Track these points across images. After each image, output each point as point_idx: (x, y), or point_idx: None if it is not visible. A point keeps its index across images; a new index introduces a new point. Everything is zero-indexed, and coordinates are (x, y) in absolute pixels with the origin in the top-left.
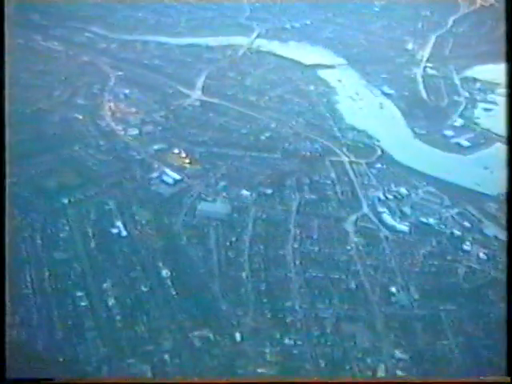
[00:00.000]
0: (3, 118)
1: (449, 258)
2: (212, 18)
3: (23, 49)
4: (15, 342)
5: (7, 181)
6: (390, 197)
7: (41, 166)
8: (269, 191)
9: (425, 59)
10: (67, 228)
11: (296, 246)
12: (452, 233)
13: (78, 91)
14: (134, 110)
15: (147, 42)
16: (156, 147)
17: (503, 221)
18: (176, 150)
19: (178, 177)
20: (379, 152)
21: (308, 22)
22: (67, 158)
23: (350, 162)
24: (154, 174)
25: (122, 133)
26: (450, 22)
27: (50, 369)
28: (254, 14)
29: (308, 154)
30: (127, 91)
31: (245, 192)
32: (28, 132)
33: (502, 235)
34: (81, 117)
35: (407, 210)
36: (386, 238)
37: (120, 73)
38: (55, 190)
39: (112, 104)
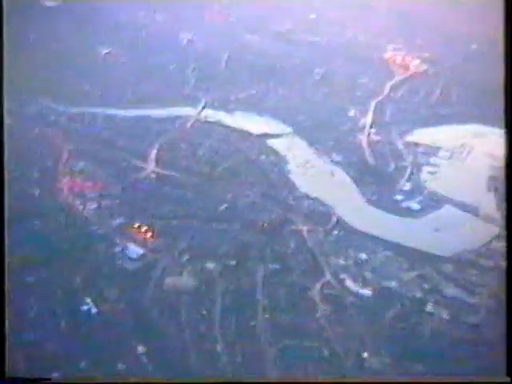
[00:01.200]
0: None
1: (413, 320)
2: (157, 89)
3: None
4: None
5: None
6: (351, 263)
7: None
8: (233, 262)
9: (368, 125)
10: (35, 307)
11: (266, 316)
12: (414, 295)
13: (32, 165)
14: (90, 183)
15: (95, 114)
16: (117, 221)
17: (462, 281)
18: (136, 224)
19: (141, 251)
20: (335, 219)
21: (253, 92)
22: (28, 233)
23: (308, 231)
24: (117, 249)
25: (81, 207)
26: (387, 89)
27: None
28: (199, 84)
29: (266, 224)
30: (81, 164)
31: (209, 264)
32: None
33: (462, 295)
34: (37, 191)
35: (368, 274)
36: (352, 303)
37: (71, 147)
38: (19, 267)
39: (68, 178)
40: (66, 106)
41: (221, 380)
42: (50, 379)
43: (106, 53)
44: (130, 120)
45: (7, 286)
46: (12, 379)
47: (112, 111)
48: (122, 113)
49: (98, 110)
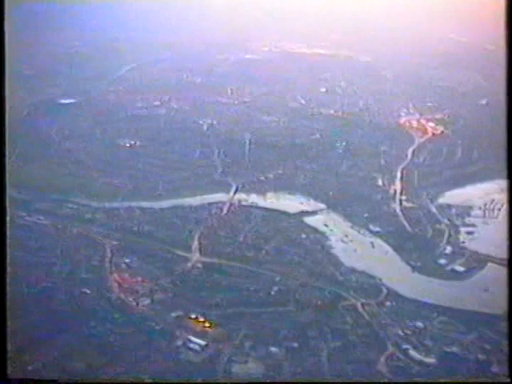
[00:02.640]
0: None
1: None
2: (187, 178)
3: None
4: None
5: None
6: (409, 332)
7: (62, 349)
8: (295, 344)
9: (398, 193)
10: None
11: None
12: (477, 358)
13: (78, 265)
14: (139, 278)
15: (131, 207)
16: (173, 314)
17: None
18: (193, 315)
19: (203, 342)
20: (385, 290)
21: (280, 172)
22: (87, 337)
23: (362, 305)
24: (179, 342)
25: (134, 304)
26: (410, 154)
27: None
28: (226, 169)
29: (319, 302)
30: (127, 260)
31: (273, 349)
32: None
33: None
34: (88, 291)
35: (429, 342)
36: (418, 372)
37: (115, 242)
38: (83, 372)
39: (116, 275)
40: (100, 202)
41: (222, 381)
42: (51, 381)
43: (129, 146)
44: (166, 211)
45: None
46: (14, 380)
47: (147, 204)
48: (156, 204)
49: (133, 203)
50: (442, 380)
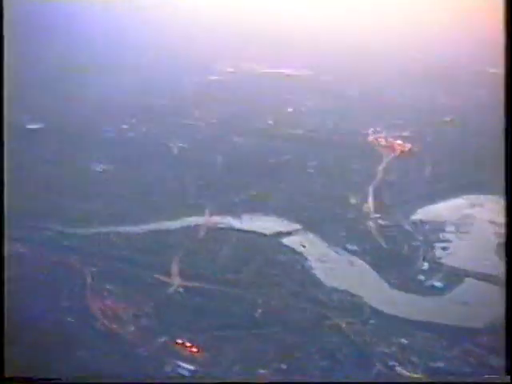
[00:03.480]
0: None
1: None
2: (161, 202)
3: None
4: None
5: None
6: (395, 349)
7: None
8: (284, 366)
9: (372, 211)
10: None
11: None
12: (463, 371)
13: (60, 293)
14: (122, 305)
15: (107, 233)
16: (159, 340)
17: (500, 349)
18: (180, 341)
19: (192, 367)
20: (367, 309)
21: (254, 193)
22: (75, 367)
23: (347, 323)
24: (168, 368)
25: (121, 331)
26: (380, 172)
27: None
28: (200, 191)
29: (305, 323)
30: (108, 287)
31: (261, 371)
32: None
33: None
34: (72, 320)
35: (415, 358)
36: None
37: (94, 269)
38: None
39: (99, 302)
40: (76, 228)
41: (221, 380)
42: (49, 379)
43: (101, 171)
44: (142, 235)
45: None
46: (12, 379)
47: (123, 229)
48: (133, 229)
49: (109, 228)
50: (442, 380)
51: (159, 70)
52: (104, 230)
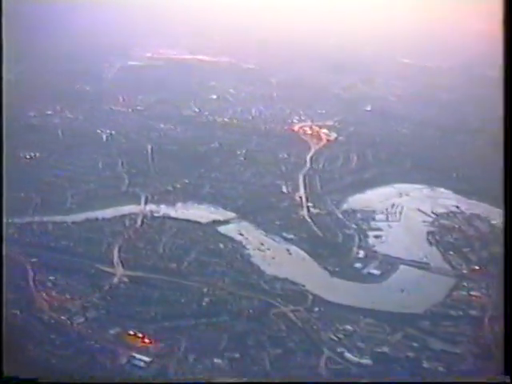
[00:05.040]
0: None
1: (416, 379)
2: (94, 190)
3: None
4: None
5: None
6: (341, 336)
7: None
8: (237, 355)
9: (304, 200)
10: None
11: None
12: (407, 356)
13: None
14: (68, 296)
15: (43, 222)
16: (111, 332)
17: (442, 334)
18: (131, 332)
19: (147, 358)
20: (310, 296)
21: (186, 181)
22: (26, 363)
23: (292, 311)
24: (124, 360)
25: (69, 322)
26: (308, 161)
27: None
28: (133, 179)
29: (251, 311)
30: (52, 277)
31: (217, 360)
32: None
33: (448, 347)
34: (18, 312)
35: (360, 344)
36: (358, 373)
37: (34, 259)
38: None
39: (44, 294)
40: (10, 217)
41: (221, 380)
42: (48, 380)
43: (29, 158)
44: (79, 224)
45: None
46: (10, 379)
47: (59, 218)
48: (69, 218)
49: (45, 218)
50: (442, 380)
51: (79, 54)
52: (39, 219)
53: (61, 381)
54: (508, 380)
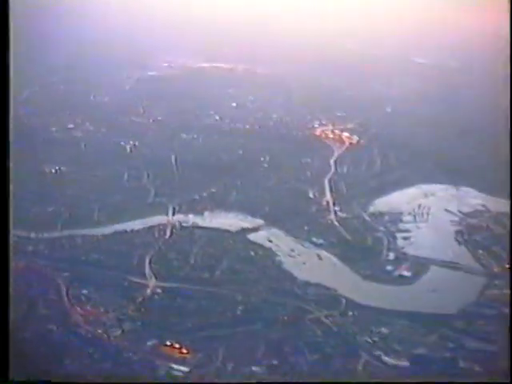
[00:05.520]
0: None
1: (456, 379)
2: (121, 202)
3: None
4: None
5: None
6: (376, 339)
7: None
8: (275, 362)
9: (331, 204)
10: None
11: None
12: (444, 357)
13: (36, 302)
14: (102, 309)
15: (72, 236)
16: (148, 344)
17: (477, 333)
18: (168, 343)
19: (186, 369)
20: (343, 300)
21: (213, 190)
22: (65, 377)
23: (326, 316)
24: (161, 372)
25: (105, 335)
26: (332, 165)
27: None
28: (159, 190)
29: (286, 318)
30: (85, 291)
31: (255, 368)
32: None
33: (483, 346)
34: (54, 328)
35: (397, 346)
36: (396, 375)
37: (66, 274)
38: None
39: (78, 308)
40: (39, 233)
41: (221, 381)
42: (51, 381)
43: (55, 172)
44: (109, 237)
45: None
46: (15, 382)
47: (88, 231)
48: (98, 231)
49: (74, 231)
50: (442, 380)
51: (96, 67)
52: (68, 233)
53: None
54: (508, 381)
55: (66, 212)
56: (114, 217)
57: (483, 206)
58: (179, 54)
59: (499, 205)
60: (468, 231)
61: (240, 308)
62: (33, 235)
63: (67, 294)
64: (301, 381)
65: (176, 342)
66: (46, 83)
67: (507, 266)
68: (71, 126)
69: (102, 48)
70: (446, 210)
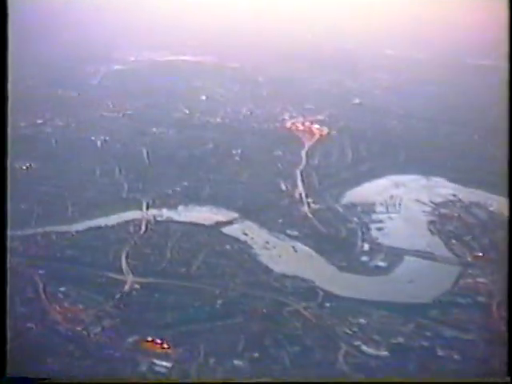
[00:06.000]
0: None
1: (433, 367)
2: (94, 198)
3: None
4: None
5: None
6: (355, 329)
7: None
8: (256, 354)
9: (304, 196)
10: None
11: None
12: (421, 345)
13: (13, 300)
14: (80, 306)
15: (46, 233)
16: (129, 340)
17: (453, 322)
18: (149, 338)
19: (167, 364)
20: (321, 292)
21: (185, 184)
22: (48, 376)
23: (305, 308)
24: (144, 368)
25: (85, 333)
26: (304, 157)
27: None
28: (132, 185)
29: (265, 310)
30: (62, 289)
31: (237, 361)
32: None
33: (460, 334)
34: (34, 326)
35: (376, 337)
36: (377, 366)
37: (41, 271)
38: None
39: (56, 305)
40: (12, 230)
41: (220, 381)
42: (49, 379)
43: (26, 168)
44: (83, 233)
45: None
46: (12, 378)
47: (61, 227)
48: (71, 227)
49: (47, 228)
50: (442, 380)
51: (61, 61)
52: (41, 230)
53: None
54: (508, 380)
55: (38, 209)
56: (87, 213)
57: (454, 195)
58: (145, 47)
59: (470, 195)
60: (441, 221)
61: (219, 302)
62: (6, 232)
63: (44, 291)
64: (301, 381)
65: (157, 338)
66: (12, 79)
67: (480, 254)
68: (40, 121)
69: (64, 42)
70: (418, 201)
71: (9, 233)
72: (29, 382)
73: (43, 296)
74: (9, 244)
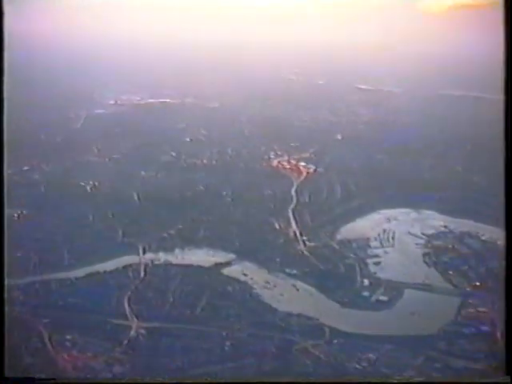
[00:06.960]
0: None
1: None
2: (90, 244)
3: None
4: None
5: None
6: (365, 364)
7: None
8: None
9: (298, 234)
10: None
11: None
12: (431, 375)
13: (19, 351)
14: (89, 354)
15: (45, 281)
16: None
17: (460, 352)
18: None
19: None
20: (327, 329)
21: (180, 226)
22: None
23: (313, 346)
24: None
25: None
26: (294, 195)
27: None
28: (127, 229)
29: (274, 350)
30: (69, 337)
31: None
32: None
33: (469, 364)
34: (43, 376)
35: (386, 370)
36: None
37: (45, 320)
38: None
39: (64, 354)
40: (12, 279)
41: (220, 380)
42: (49, 379)
43: (17, 216)
44: (83, 279)
45: None
46: (11, 379)
47: (61, 275)
48: (71, 274)
49: (46, 276)
50: (442, 380)
51: (42, 106)
52: (40, 278)
53: None
54: (508, 380)
55: (35, 257)
56: (84, 259)
57: (445, 227)
58: (123, 90)
59: (461, 225)
60: (435, 253)
61: (227, 344)
62: (5, 282)
63: (50, 340)
64: (301, 381)
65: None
66: None
67: (478, 284)
68: (26, 167)
69: (44, 86)
70: (410, 234)
71: (7, 282)
72: (29, 382)
73: (49, 346)
74: (8, 294)
